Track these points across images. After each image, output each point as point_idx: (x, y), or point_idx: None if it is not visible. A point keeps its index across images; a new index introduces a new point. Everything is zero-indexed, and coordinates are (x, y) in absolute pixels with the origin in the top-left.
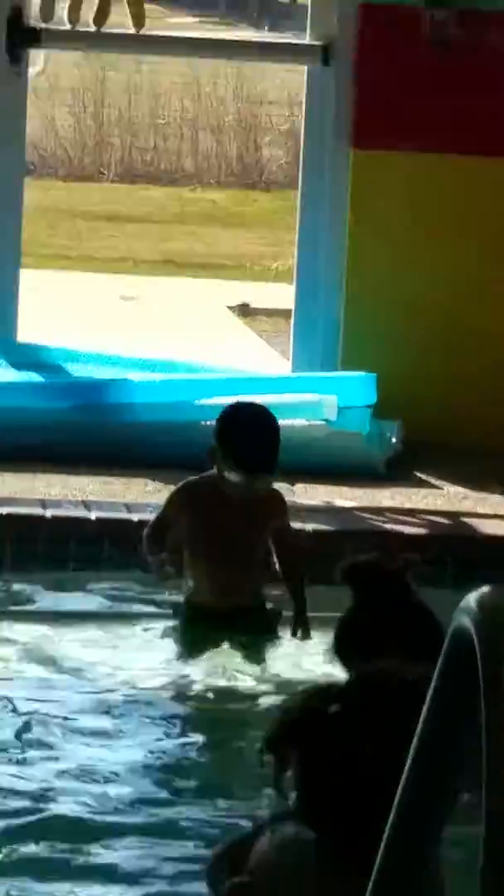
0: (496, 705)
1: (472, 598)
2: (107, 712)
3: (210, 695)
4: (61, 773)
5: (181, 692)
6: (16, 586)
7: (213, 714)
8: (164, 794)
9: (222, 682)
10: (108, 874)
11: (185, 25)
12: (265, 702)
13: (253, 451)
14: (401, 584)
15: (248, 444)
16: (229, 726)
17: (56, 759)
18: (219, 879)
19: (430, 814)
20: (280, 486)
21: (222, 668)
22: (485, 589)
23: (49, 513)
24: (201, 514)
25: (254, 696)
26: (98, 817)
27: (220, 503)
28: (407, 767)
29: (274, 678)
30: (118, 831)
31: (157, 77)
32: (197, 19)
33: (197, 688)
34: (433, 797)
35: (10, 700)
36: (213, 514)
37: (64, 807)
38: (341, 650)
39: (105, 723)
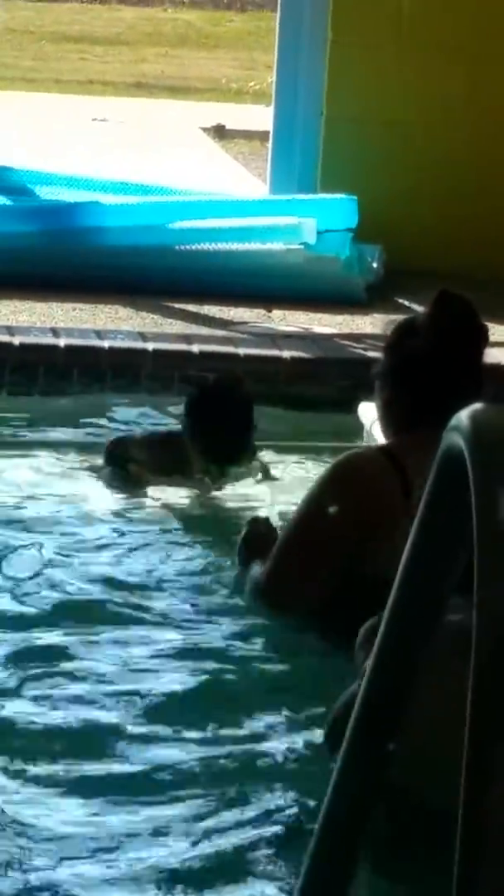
0: (488, 525)
1: (463, 416)
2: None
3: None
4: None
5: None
6: None
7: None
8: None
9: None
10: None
11: None
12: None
13: (223, 443)
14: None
15: (217, 434)
16: (212, 545)
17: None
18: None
19: (418, 629)
20: (257, 312)
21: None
22: (477, 405)
23: (17, 340)
24: None
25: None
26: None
27: None
28: (393, 595)
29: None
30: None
31: None
32: None
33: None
34: (424, 612)
35: None
36: None
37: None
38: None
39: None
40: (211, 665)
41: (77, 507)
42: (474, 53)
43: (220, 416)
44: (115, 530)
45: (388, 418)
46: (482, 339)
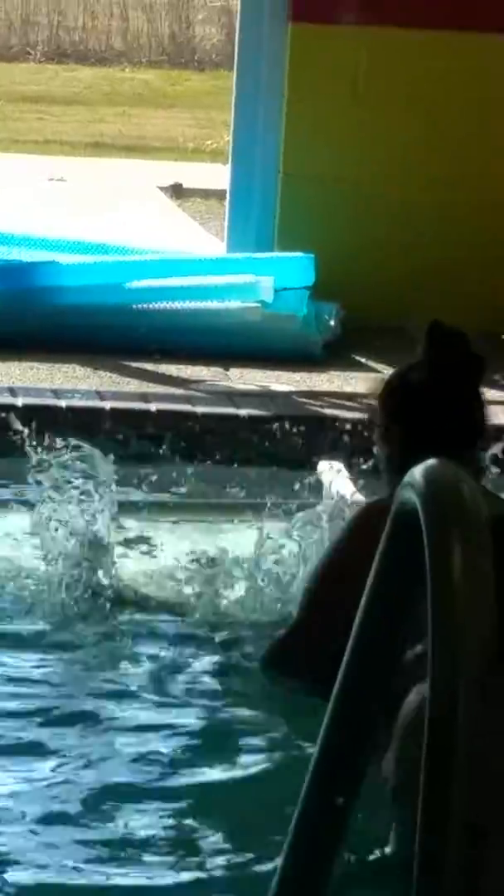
0: (442, 579)
1: (416, 472)
2: None
3: None
4: None
5: None
6: None
7: None
8: None
9: None
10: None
11: None
12: None
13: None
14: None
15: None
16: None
17: None
18: None
19: (373, 689)
20: (215, 370)
21: None
22: (429, 462)
23: None
24: None
25: None
26: None
27: None
28: (349, 647)
29: None
30: None
31: None
32: None
33: None
34: (378, 674)
35: None
36: None
37: None
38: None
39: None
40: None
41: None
42: (430, 104)
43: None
44: None
45: (395, 462)
46: (481, 370)
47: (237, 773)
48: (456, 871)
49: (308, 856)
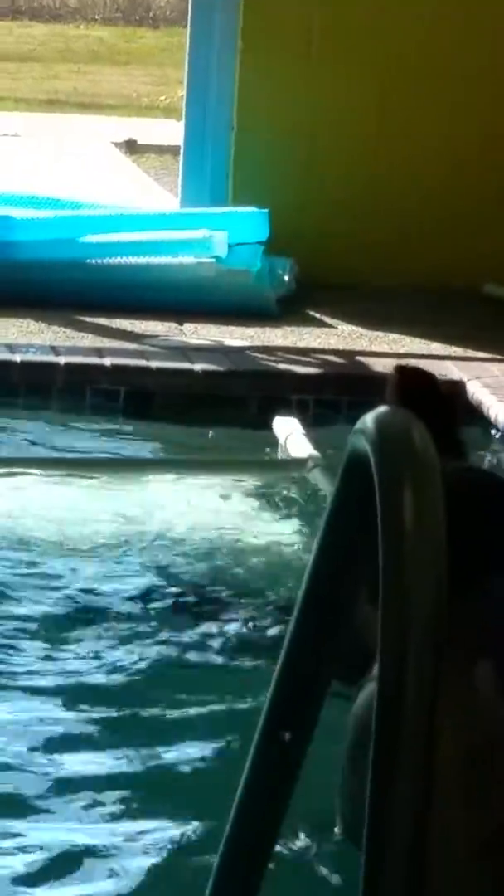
0: (393, 520)
1: (367, 419)
2: None
3: None
4: None
5: None
6: None
7: None
8: None
9: None
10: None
11: None
12: None
13: None
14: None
15: None
16: None
17: None
18: None
19: (323, 634)
20: (169, 325)
21: None
22: (379, 409)
23: None
24: None
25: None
26: None
27: None
28: (301, 592)
29: None
30: None
31: None
32: None
33: None
34: (329, 615)
35: None
36: None
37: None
38: None
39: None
40: None
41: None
42: (383, 65)
43: None
44: None
45: None
46: (453, 415)
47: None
48: (403, 852)
49: (259, 800)
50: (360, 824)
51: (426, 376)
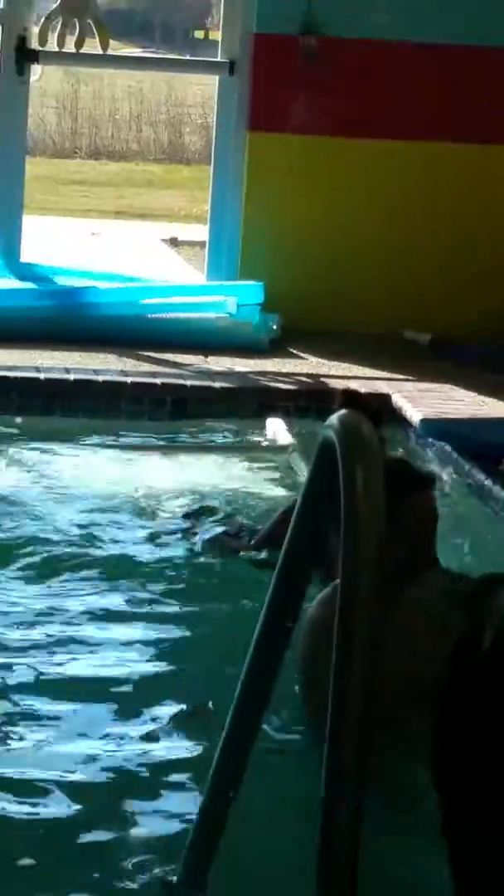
0: (350, 486)
1: (334, 418)
2: None
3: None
4: None
5: None
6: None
7: None
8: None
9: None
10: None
11: (132, 52)
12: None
13: None
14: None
15: None
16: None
17: None
18: None
19: (307, 554)
20: (198, 357)
21: None
22: (343, 411)
23: (42, 375)
24: None
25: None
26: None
27: None
28: (285, 547)
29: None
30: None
31: (114, 86)
32: (141, 49)
33: None
34: (311, 543)
35: None
36: None
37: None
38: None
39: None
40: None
41: None
42: (354, 192)
43: None
44: None
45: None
46: (379, 415)
47: None
48: (356, 753)
49: (260, 675)
50: (326, 702)
51: (357, 393)
